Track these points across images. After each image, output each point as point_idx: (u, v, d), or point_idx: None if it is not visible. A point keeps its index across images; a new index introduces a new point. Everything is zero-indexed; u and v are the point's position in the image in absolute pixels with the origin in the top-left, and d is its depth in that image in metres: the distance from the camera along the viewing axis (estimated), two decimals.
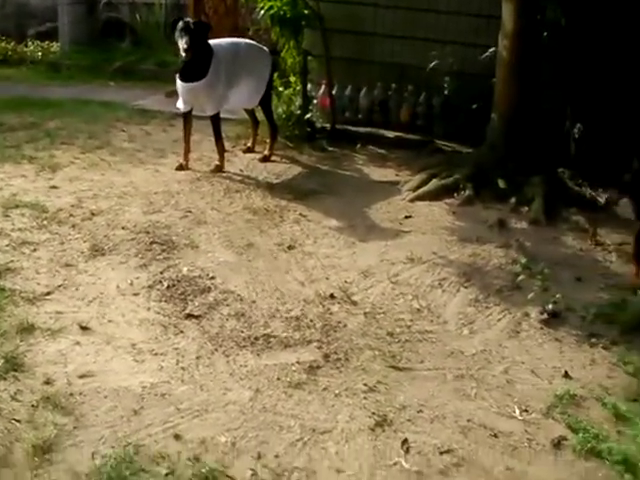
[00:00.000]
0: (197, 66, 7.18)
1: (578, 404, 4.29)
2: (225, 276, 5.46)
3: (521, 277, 5.65)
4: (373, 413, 4.06)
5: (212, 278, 5.41)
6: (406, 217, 6.83)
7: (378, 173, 8.00)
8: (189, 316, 4.91)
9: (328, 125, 8.82)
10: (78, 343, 4.56)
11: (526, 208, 6.97)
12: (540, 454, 3.89)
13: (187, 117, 7.60)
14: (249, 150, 8.21)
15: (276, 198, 7.02)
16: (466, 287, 5.54)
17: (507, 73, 7.52)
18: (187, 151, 7.64)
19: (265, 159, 8.00)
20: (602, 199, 6.90)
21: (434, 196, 7.21)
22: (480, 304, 5.31)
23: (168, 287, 5.25)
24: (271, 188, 7.30)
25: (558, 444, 3.94)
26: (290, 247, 6.02)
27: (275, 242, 6.09)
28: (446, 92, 8.58)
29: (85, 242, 5.86)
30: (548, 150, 7.44)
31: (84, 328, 4.71)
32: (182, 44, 7.03)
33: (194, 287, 5.28)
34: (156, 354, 4.49)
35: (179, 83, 7.36)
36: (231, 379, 4.29)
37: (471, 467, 3.74)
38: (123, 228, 6.15)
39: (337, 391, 4.24)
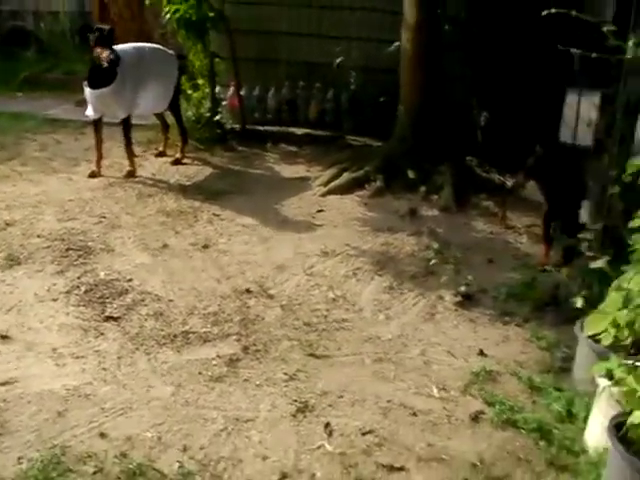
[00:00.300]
0: (104, 72, 7.11)
1: (494, 379, 4.45)
2: (142, 278, 5.44)
3: (433, 262, 5.81)
4: (294, 400, 4.13)
5: (129, 280, 5.39)
6: (318, 211, 6.93)
7: (289, 170, 8.07)
8: (108, 318, 4.89)
9: (238, 126, 8.84)
10: None
11: (436, 196, 7.15)
12: (459, 429, 4.01)
13: (97, 124, 7.52)
14: (161, 154, 8.16)
15: (189, 200, 7.02)
16: (380, 275, 5.65)
17: (411, 66, 7.67)
18: (99, 158, 7.56)
19: (177, 162, 7.97)
20: (509, 184, 7.09)
21: (345, 189, 7.32)
22: (395, 291, 5.44)
23: (86, 291, 5.21)
24: (184, 190, 7.29)
25: (476, 418, 4.08)
26: (205, 246, 6.04)
27: (190, 242, 6.10)
28: (353, 87, 8.68)
29: (0, 252, 5.77)
30: (456, 139, 7.62)
31: (3, 337, 4.64)
32: (102, 51, 6.95)
33: (112, 290, 5.25)
34: (77, 357, 4.46)
35: (87, 90, 7.28)
36: (153, 376, 4.30)
37: (393, 445, 3.83)
38: (38, 236, 6.06)
39: (258, 381, 4.29)
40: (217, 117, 8.55)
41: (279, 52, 9.04)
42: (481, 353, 4.71)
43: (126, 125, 7.50)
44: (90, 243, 5.97)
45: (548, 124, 7.86)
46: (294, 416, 4.01)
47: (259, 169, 8.10)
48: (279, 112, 9.12)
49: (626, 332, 3.60)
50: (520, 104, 7.67)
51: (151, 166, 7.83)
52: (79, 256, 5.75)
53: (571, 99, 7.77)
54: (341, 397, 4.20)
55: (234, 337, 4.73)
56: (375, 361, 4.58)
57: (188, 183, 7.52)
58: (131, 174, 7.48)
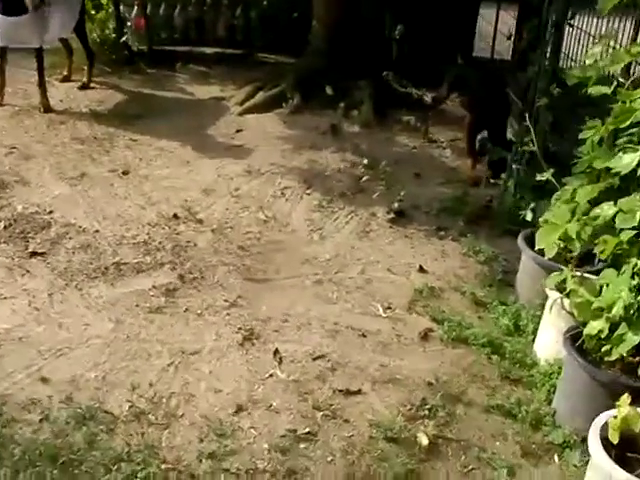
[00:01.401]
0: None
1: (437, 296, 4.32)
2: (63, 209, 5.04)
3: (364, 178, 5.58)
4: (239, 328, 3.90)
5: (50, 213, 4.99)
6: (237, 131, 6.59)
7: (202, 91, 7.64)
8: (33, 254, 4.50)
9: (145, 47, 8.28)
10: None
11: (356, 112, 6.87)
12: (410, 347, 3.88)
13: (3, 52, 6.85)
14: (66, 79, 7.55)
15: (103, 125, 6.54)
16: (308, 194, 5.42)
17: None
18: (2, 86, 6.93)
19: (84, 87, 7.42)
20: (429, 98, 6.87)
21: (262, 108, 6.98)
22: (325, 209, 5.22)
23: (5, 227, 4.78)
24: (96, 116, 6.80)
25: (425, 336, 3.95)
26: (125, 172, 5.66)
27: (108, 169, 5.70)
28: (265, 3, 8.20)
29: None
30: (372, 54, 7.30)
31: None
32: None
33: (33, 224, 4.83)
34: (5, 298, 4.09)
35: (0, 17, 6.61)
36: (89, 313, 3.98)
37: (345, 369, 3.67)
38: None
39: (199, 311, 4.04)
40: (124, 38, 7.98)
41: None
42: (421, 269, 4.57)
43: (40, 55, 6.80)
44: (3, 176, 5.48)
45: (462, 37, 7.69)
46: (241, 345, 3.79)
47: (171, 91, 7.63)
48: (187, 31, 8.55)
49: (577, 244, 3.50)
50: (434, 17, 7.44)
51: (58, 92, 7.23)
52: None
53: (487, 12, 7.65)
54: (286, 322, 4.00)
55: (168, 266, 4.44)
56: (316, 283, 4.38)
57: (99, 108, 7.01)
58: (48, 108, 6.79)
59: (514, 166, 5.15)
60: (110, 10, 8.12)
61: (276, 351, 3.75)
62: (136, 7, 8.26)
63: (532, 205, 4.04)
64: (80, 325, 3.88)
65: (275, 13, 8.23)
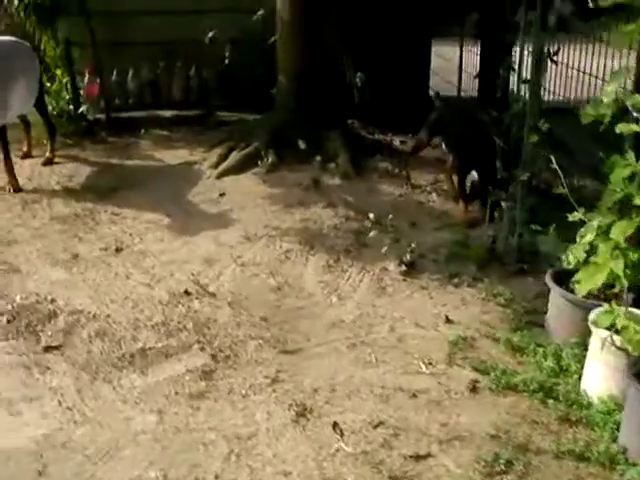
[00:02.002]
0: None
1: (472, 346, 4.22)
2: (65, 296, 4.75)
3: (366, 234, 5.46)
4: (290, 405, 3.71)
5: (52, 301, 4.68)
6: (220, 195, 6.40)
7: (170, 156, 7.43)
8: (48, 349, 4.20)
9: (101, 115, 8.05)
10: None
11: (333, 164, 6.79)
12: (462, 402, 3.76)
13: None
14: (26, 155, 7.23)
15: (80, 202, 6.24)
16: (313, 255, 5.26)
17: (291, 32, 7.18)
18: None
19: (49, 162, 7.10)
20: (407, 145, 6.80)
21: (238, 169, 6.81)
22: (335, 269, 5.08)
23: (9, 321, 4.46)
24: (69, 192, 6.50)
25: (474, 389, 3.84)
26: (118, 249, 5.40)
27: (100, 247, 5.43)
28: (226, 61, 7.93)
29: None
30: (336, 103, 7.24)
31: None
32: None
33: (38, 315, 4.52)
34: (32, 400, 3.77)
35: None
36: (127, 407, 3.71)
37: (408, 433, 3.52)
38: None
39: (242, 391, 3.82)
40: (82, 108, 7.72)
41: (134, 33, 8.12)
42: (448, 320, 4.48)
43: (3, 134, 6.48)
44: None
45: (419, 76, 7.74)
46: (296, 422, 3.60)
47: (138, 159, 7.38)
48: (141, 96, 8.37)
49: (624, 281, 3.49)
50: (390, 60, 7.46)
51: (22, 169, 6.87)
52: None
53: (442, 49, 7.70)
54: (334, 391, 3.82)
55: (196, 346, 4.20)
56: (350, 347, 4.22)
57: (71, 184, 6.70)
58: (17, 188, 6.46)
59: (505, 204, 5.15)
60: (64, 80, 7.84)
61: (335, 424, 3.58)
62: (87, 75, 7.99)
63: (572, 247, 4.00)
64: (121, 421, 3.61)
65: (236, 70, 8.00)
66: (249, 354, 4.14)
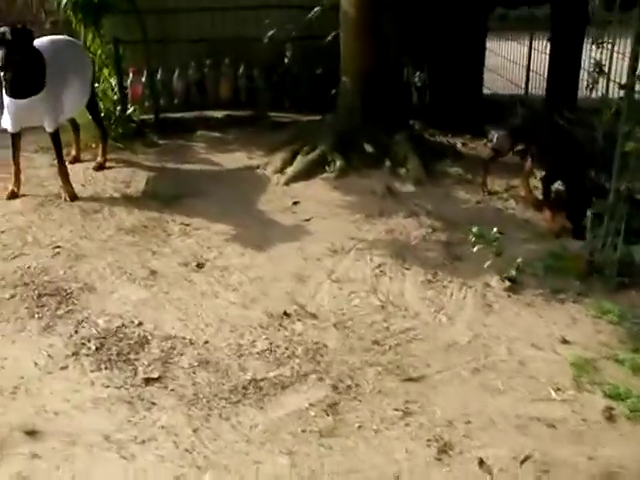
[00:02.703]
0: (30, 78, 5.75)
1: (595, 368, 3.92)
2: (152, 318, 4.37)
3: (478, 247, 4.98)
4: (428, 440, 3.39)
5: (139, 324, 4.31)
6: (294, 203, 6.01)
7: (227, 160, 7.02)
8: (147, 381, 3.82)
9: (147, 117, 7.60)
10: (36, 456, 3.32)
11: (403, 169, 6.42)
12: (603, 433, 3.47)
13: (16, 138, 6.09)
14: (76, 160, 6.80)
15: (144, 210, 5.83)
16: (408, 269, 4.91)
17: (355, 31, 6.72)
18: (17, 174, 6.13)
19: (101, 167, 6.69)
20: (488, 149, 6.40)
21: (306, 174, 6.42)
22: (434, 284, 4.74)
23: (97, 349, 4.08)
24: (130, 200, 6.07)
25: (610, 417, 3.56)
26: (199, 265, 5.00)
27: (178, 262, 5.04)
28: (286, 60, 7.58)
29: None
30: (399, 105, 6.88)
31: (29, 433, 3.46)
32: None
33: (127, 341, 4.15)
34: (143, 441, 3.40)
35: (9, 101, 5.83)
36: (252, 448, 3.36)
37: (558, 468, 3.23)
38: None
39: (374, 427, 3.48)
40: (130, 110, 7.30)
41: (180, 30, 7.71)
42: (564, 341, 4.15)
43: (57, 138, 6.04)
44: (61, 283, 4.76)
45: (474, 75, 7.39)
46: (439, 459, 3.27)
47: (196, 163, 6.98)
48: (187, 95, 7.96)
49: None
50: (441, 58, 7.10)
51: (74, 176, 6.39)
52: (59, 302, 4.54)
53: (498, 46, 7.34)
54: (469, 423, 3.50)
55: (313, 376, 3.84)
56: (472, 372, 3.89)
57: (129, 190, 6.29)
58: (74, 196, 6.03)
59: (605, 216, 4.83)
60: (112, 81, 7.42)
61: (481, 461, 3.26)
62: (131, 74, 7.60)
63: None
64: (250, 466, 3.24)
65: (298, 72, 7.66)
66: (371, 383, 3.79)
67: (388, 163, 6.47)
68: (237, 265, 5.00)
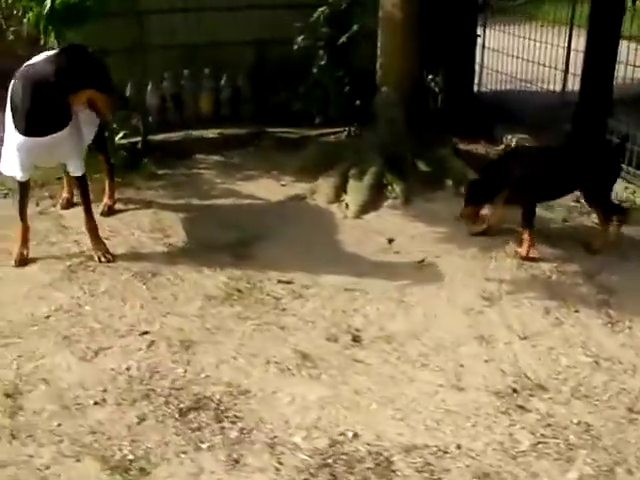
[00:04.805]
0: (54, 110, 4.27)
1: None
2: (356, 423, 3.25)
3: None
4: None
5: (354, 437, 3.17)
6: (389, 241, 4.93)
7: (259, 189, 5.71)
8: None
9: (127, 140, 5.96)
10: None
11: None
12: None
13: (26, 187, 4.54)
14: (69, 204, 5.20)
15: (215, 267, 4.47)
16: (576, 311, 4.14)
17: (400, 36, 5.69)
18: (26, 235, 4.55)
19: (110, 210, 5.17)
20: None
21: (370, 202, 5.35)
22: (616, 325, 4.02)
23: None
24: (186, 254, 4.66)
25: None
26: (355, 339, 3.87)
27: (324, 337, 3.86)
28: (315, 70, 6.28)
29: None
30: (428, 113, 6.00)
31: None
32: None
33: (360, 465, 3.01)
34: None
35: (22, 140, 4.26)
36: None
37: None
38: (96, 403, 3.36)
39: None
40: (120, 134, 5.72)
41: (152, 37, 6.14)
42: None
43: (85, 183, 4.56)
44: (196, 388, 3.44)
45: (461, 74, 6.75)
46: None
47: (224, 197, 5.57)
48: (162, 112, 6.44)
49: None
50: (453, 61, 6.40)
51: (78, 225, 4.82)
52: (217, 419, 3.26)
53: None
54: None
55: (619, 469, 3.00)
56: None
57: (172, 240, 4.85)
58: (109, 256, 4.56)
59: None
60: None
61: None
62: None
63: None
64: None
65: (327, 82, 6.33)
66: None
67: (450, 183, 5.59)
68: (398, 331, 3.93)
